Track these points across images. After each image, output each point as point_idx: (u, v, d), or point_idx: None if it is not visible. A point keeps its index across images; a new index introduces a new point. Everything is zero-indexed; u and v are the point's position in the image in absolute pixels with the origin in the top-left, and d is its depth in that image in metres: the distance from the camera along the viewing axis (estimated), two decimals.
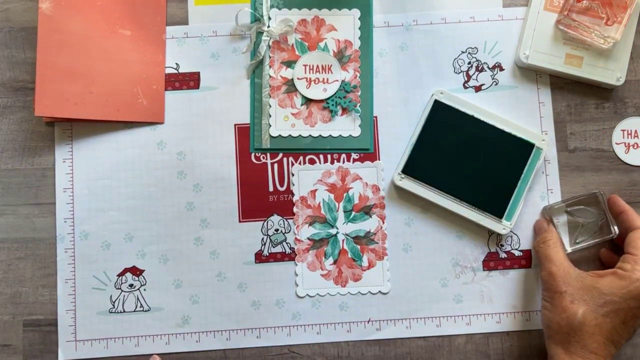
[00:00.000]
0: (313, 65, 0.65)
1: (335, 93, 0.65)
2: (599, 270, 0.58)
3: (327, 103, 0.65)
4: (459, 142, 0.63)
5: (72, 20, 0.63)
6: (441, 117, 0.63)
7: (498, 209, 0.62)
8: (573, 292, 0.56)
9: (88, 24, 0.64)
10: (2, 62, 0.66)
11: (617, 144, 0.65)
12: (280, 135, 0.64)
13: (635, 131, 0.65)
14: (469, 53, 0.66)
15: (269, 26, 0.65)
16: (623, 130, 0.65)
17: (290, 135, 0.65)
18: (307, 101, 0.65)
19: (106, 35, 0.64)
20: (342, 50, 0.65)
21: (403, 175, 0.63)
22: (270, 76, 0.65)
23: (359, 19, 0.66)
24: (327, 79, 0.65)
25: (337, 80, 0.65)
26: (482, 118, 0.63)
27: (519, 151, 0.63)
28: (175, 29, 0.66)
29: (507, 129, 0.63)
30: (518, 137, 0.63)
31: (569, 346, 0.55)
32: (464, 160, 0.63)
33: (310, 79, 0.65)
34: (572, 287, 0.56)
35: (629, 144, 0.65)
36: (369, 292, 0.63)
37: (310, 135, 0.65)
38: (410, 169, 0.63)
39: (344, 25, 0.66)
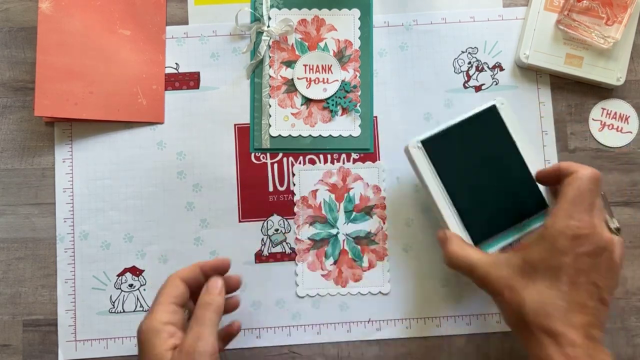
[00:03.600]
0: (313, 65, 0.65)
1: (335, 93, 0.65)
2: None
3: (327, 103, 0.65)
4: (486, 156, 0.59)
5: (72, 20, 0.63)
6: (488, 122, 0.60)
7: (478, 235, 0.59)
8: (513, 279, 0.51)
9: (88, 24, 0.64)
10: (2, 62, 0.66)
11: (593, 119, 0.65)
12: (280, 135, 0.64)
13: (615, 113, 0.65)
14: (469, 53, 0.66)
15: (268, 26, 0.65)
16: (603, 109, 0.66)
17: (290, 135, 0.65)
18: (307, 101, 0.65)
19: (106, 35, 0.64)
20: (342, 50, 0.65)
21: (420, 146, 0.59)
22: (270, 76, 0.65)
23: (359, 18, 0.66)
24: (327, 78, 0.65)
25: (337, 80, 0.65)
26: (521, 150, 0.59)
27: (531, 202, 0.59)
28: (175, 28, 0.66)
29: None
30: (539, 190, 0.59)
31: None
32: (479, 174, 0.59)
33: (310, 78, 0.65)
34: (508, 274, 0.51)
35: (604, 122, 0.65)
36: (369, 292, 0.63)
37: (310, 135, 0.65)
38: (431, 145, 0.59)
39: (344, 25, 0.66)
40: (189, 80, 0.65)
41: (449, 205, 0.59)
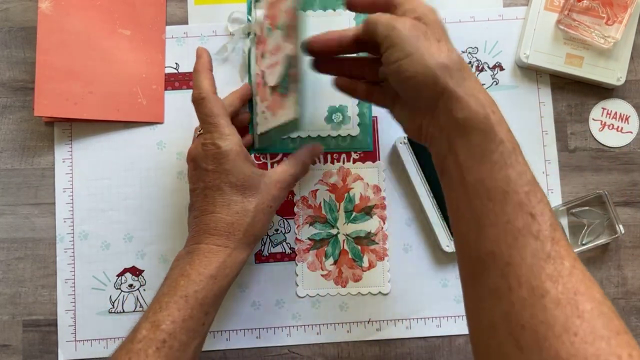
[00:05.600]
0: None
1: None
2: None
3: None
4: None
5: (72, 20, 0.63)
6: None
7: None
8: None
9: (88, 24, 0.63)
10: (1, 62, 0.65)
11: (593, 119, 0.65)
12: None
13: (615, 112, 0.65)
14: (469, 53, 0.66)
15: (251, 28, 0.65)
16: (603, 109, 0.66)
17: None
18: None
19: (106, 35, 0.64)
20: None
21: (406, 142, 0.63)
22: (257, 74, 0.65)
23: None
24: None
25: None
26: None
27: None
28: (175, 28, 0.66)
29: None
30: None
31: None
32: None
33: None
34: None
35: (604, 122, 0.65)
36: (369, 292, 0.63)
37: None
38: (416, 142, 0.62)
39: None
40: (189, 80, 0.65)
41: (430, 198, 0.62)
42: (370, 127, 0.65)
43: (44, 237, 0.64)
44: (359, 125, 0.65)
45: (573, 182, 0.65)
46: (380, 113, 0.65)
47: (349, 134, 0.65)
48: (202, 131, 0.54)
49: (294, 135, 0.64)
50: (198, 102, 0.53)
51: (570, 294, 0.38)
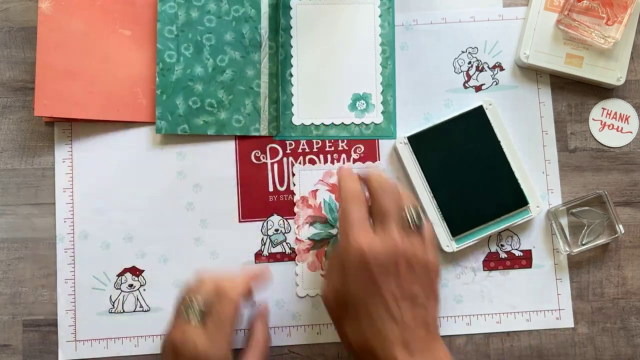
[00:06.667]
0: None
1: None
2: None
3: None
4: (470, 154, 0.62)
5: (72, 20, 0.63)
6: (474, 122, 0.63)
7: (457, 228, 0.62)
8: None
9: (88, 24, 0.64)
10: (1, 62, 0.65)
11: (593, 119, 0.65)
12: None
13: (615, 113, 0.65)
14: (469, 53, 0.66)
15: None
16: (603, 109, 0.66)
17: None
18: None
19: (106, 35, 0.64)
20: None
21: (407, 142, 0.63)
22: None
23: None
24: None
25: None
26: (505, 149, 0.62)
27: (511, 198, 0.62)
28: None
29: (517, 173, 0.62)
30: (520, 187, 0.62)
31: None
32: (463, 171, 0.62)
33: None
34: None
35: (604, 122, 0.65)
36: None
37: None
38: (417, 141, 0.62)
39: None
40: None
41: (430, 198, 0.62)
42: (394, 115, 0.65)
43: (44, 237, 0.64)
44: (382, 113, 0.65)
45: (573, 182, 0.65)
46: None
47: (372, 122, 0.65)
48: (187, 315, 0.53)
49: (317, 122, 0.64)
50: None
51: None
